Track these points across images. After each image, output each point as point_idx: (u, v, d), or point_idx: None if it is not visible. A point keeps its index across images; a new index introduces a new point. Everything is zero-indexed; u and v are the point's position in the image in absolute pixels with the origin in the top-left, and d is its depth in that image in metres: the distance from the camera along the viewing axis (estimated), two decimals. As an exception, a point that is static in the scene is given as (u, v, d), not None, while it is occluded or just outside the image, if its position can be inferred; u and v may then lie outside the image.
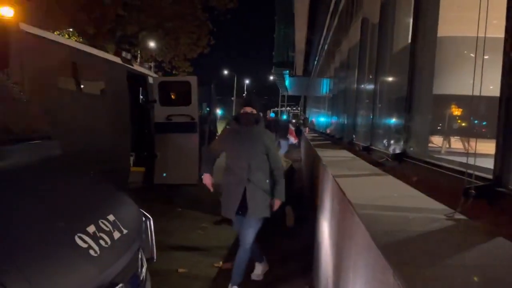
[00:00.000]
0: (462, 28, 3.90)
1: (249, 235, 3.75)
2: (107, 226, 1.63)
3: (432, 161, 2.28)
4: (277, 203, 3.74)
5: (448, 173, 1.91)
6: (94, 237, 1.49)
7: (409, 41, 3.09)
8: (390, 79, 4.11)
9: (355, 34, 6.10)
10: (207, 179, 4.12)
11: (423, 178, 2.19)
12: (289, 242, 5.25)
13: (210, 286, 3.85)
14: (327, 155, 4.37)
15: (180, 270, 4.14)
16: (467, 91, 3.92)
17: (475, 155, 1.63)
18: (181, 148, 6.70)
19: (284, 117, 30.38)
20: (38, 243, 1.29)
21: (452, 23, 3.75)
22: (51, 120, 3.74)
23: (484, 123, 3.44)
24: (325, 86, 13.16)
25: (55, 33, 13.22)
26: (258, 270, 4.07)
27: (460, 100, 4.29)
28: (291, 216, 5.87)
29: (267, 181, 3.72)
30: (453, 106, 4.72)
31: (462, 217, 1.52)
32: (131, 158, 6.69)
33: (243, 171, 3.68)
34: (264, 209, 3.72)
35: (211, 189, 4.10)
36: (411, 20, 3.19)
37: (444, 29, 3.15)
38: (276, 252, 4.84)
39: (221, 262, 4.43)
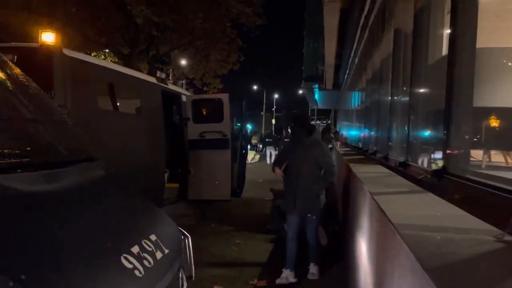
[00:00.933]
0: (502, 38, 3.79)
1: (309, 230, 4.53)
2: (149, 246, 1.66)
3: (477, 178, 2.20)
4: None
5: (496, 191, 1.83)
6: (138, 258, 1.52)
7: (446, 51, 3.02)
8: (427, 90, 4.02)
9: (388, 46, 6.02)
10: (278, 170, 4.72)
11: (467, 196, 2.11)
12: (324, 260, 5.15)
13: (246, 304, 3.83)
14: (361, 170, 4.30)
15: (216, 287, 4.15)
16: (509, 103, 3.78)
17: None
18: (214, 164, 6.79)
19: None
20: (88, 263, 1.33)
21: (491, 33, 3.65)
22: (91, 140, 3.90)
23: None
24: (356, 99, 13.02)
25: (92, 54, 13.85)
26: (315, 270, 4.48)
27: (501, 112, 4.14)
28: (323, 234, 5.80)
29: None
30: (493, 118, 4.55)
31: (512, 238, 1.45)
32: (166, 175, 6.83)
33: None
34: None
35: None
36: (446, 30, 3.13)
37: (483, 39, 3.07)
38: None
39: (256, 279, 4.40)
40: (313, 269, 4.45)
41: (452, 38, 2.93)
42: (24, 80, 2.31)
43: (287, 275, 4.34)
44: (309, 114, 53.65)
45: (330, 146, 9.85)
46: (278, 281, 4.28)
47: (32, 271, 1.15)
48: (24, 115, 1.96)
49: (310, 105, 47.92)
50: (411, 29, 4.30)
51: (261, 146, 27.99)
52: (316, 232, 4.62)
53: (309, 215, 4.49)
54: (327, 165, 4.53)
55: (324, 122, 51.37)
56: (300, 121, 4.69)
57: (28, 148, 1.71)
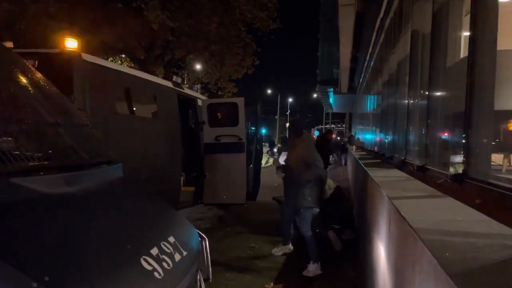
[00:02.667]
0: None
1: (301, 225, 5.11)
2: (168, 248, 1.67)
3: (498, 182, 2.15)
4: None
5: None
6: (158, 260, 1.53)
7: (465, 53, 2.97)
8: (445, 93, 3.96)
9: (405, 48, 5.96)
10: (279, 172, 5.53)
11: (489, 200, 2.07)
12: (341, 264, 5.11)
13: (262, 308, 3.81)
14: (378, 175, 4.25)
15: (232, 291, 4.15)
16: (531, 106, 3.68)
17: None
18: (229, 168, 6.80)
19: None
20: (109, 266, 1.34)
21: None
22: (109, 144, 3.95)
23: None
24: (372, 103, 12.90)
25: (109, 59, 14.07)
26: (310, 268, 4.79)
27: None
28: (336, 240, 5.76)
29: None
30: (514, 121, 4.45)
31: (537, 244, 1.41)
32: (182, 178, 6.87)
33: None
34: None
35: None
36: (465, 32, 3.08)
37: (504, 41, 3.01)
38: (327, 275, 4.73)
39: (271, 284, 4.39)
40: (309, 267, 4.82)
41: (472, 40, 2.88)
42: (45, 84, 2.36)
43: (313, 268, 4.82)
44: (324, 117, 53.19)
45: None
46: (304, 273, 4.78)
47: (55, 272, 1.17)
48: (45, 118, 2.00)
49: (324, 109, 47.69)
50: (429, 31, 4.25)
51: (275, 150, 27.97)
52: (309, 229, 5.00)
53: (301, 210, 5.05)
54: (307, 158, 5.16)
55: (340, 126, 51.07)
56: (292, 126, 5.78)
57: (49, 151, 1.74)
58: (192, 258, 1.84)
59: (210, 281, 2.29)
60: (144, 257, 1.48)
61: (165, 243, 1.68)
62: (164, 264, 1.54)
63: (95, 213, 1.64)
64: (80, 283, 1.20)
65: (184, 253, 1.75)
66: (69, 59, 4.22)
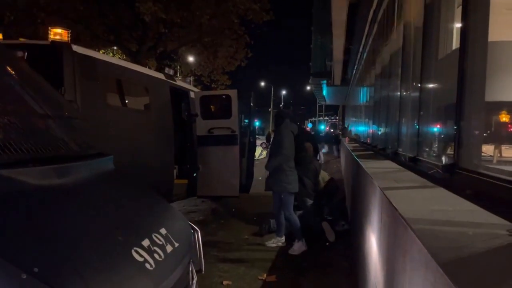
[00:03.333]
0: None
1: (283, 209, 5.42)
2: (160, 240, 1.67)
3: (489, 172, 2.17)
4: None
5: (509, 185, 1.80)
6: (149, 251, 1.53)
7: (458, 45, 2.98)
8: (437, 85, 3.97)
9: (397, 40, 5.96)
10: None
11: (479, 190, 2.09)
12: (333, 255, 5.15)
13: (255, 299, 3.83)
14: (371, 166, 4.27)
15: (225, 282, 4.16)
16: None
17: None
18: (222, 161, 6.79)
19: (322, 127, 29.99)
20: (100, 257, 1.34)
21: (503, 27, 3.59)
22: (100, 136, 3.92)
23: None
24: (365, 95, 12.93)
25: (100, 51, 13.93)
26: (295, 247, 5.20)
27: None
28: (329, 231, 5.80)
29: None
30: (505, 113, 4.49)
31: (526, 232, 1.43)
32: (175, 171, 6.85)
33: None
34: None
35: None
36: (457, 23, 3.08)
37: (495, 33, 3.02)
38: (320, 266, 4.77)
39: (265, 275, 4.41)
40: (294, 245, 5.26)
41: (464, 32, 2.89)
42: (35, 76, 2.33)
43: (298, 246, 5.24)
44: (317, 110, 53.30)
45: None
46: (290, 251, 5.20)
47: (44, 263, 1.16)
48: (35, 110, 1.98)
49: (318, 101, 47.73)
50: (421, 23, 4.25)
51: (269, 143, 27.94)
52: (291, 212, 5.44)
53: (282, 195, 5.38)
54: (274, 142, 5.64)
55: (333, 118, 51.19)
56: (275, 116, 6.12)
57: (39, 143, 1.72)
58: (184, 249, 1.84)
59: (203, 272, 2.29)
60: (135, 248, 1.48)
61: (156, 234, 1.68)
62: (156, 256, 1.54)
63: (85, 205, 1.62)
64: (70, 274, 1.19)
65: (176, 244, 1.75)
66: (59, 50, 4.16)
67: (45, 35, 4.47)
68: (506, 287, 1.01)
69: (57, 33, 4.26)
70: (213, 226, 6.55)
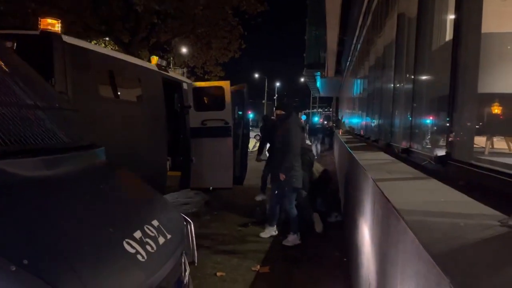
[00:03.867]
0: (508, 23, 3.72)
1: (285, 202, 5.46)
2: (152, 232, 1.66)
3: (481, 164, 2.18)
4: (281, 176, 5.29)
5: (501, 177, 1.81)
6: (141, 243, 1.52)
7: (451, 36, 2.97)
8: (431, 77, 3.98)
9: (391, 32, 5.95)
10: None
11: (471, 181, 2.10)
12: (326, 246, 5.18)
13: (249, 290, 3.85)
14: (364, 157, 4.28)
15: (219, 273, 4.17)
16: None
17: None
18: (216, 152, 6.77)
19: (316, 119, 30.00)
20: (91, 249, 1.32)
21: (496, 18, 3.59)
22: (92, 128, 3.88)
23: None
24: (358, 87, 12.94)
25: (92, 42, 13.75)
26: (290, 238, 5.28)
27: (505, 98, 4.10)
28: (319, 222, 5.85)
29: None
30: (498, 104, 4.51)
31: (518, 223, 1.44)
32: (168, 163, 6.82)
33: None
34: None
35: None
36: (451, 15, 3.07)
37: (488, 24, 3.01)
38: (313, 257, 4.80)
39: (258, 266, 4.43)
40: (289, 237, 5.31)
41: (457, 23, 2.88)
42: (24, 66, 2.29)
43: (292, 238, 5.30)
44: (311, 102, 53.25)
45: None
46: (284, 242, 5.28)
47: (34, 256, 1.14)
48: (24, 101, 1.94)
49: (312, 93, 47.71)
50: (415, 14, 4.24)
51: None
52: (293, 206, 5.42)
53: (286, 189, 5.36)
54: (284, 139, 5.41)
55: (327, 110, 51.24)
56: (283, 106, 5.90)
57: (29, 134, 1.69)
58: (177, 241, 1.83)
59: (196, 264, 2.29)
60: (127, 240, 1.47)
61: (148, 226, 1.66)
62: (148, 247, 1.53)
63: (76, 197, 1.60)
64: (61, 266, 1.18)
65: (168, 236, 1.74)
66: (49, 40, 4.09)
67: (36, 26, 4.39)
68: (497, 278, 1.01)
69: (47, 23, 4.18)
70: (206, 218, 6.55)
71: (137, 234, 1.55)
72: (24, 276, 1.07)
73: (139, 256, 1.45)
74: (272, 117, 8.39)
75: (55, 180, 1.59)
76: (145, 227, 1.64)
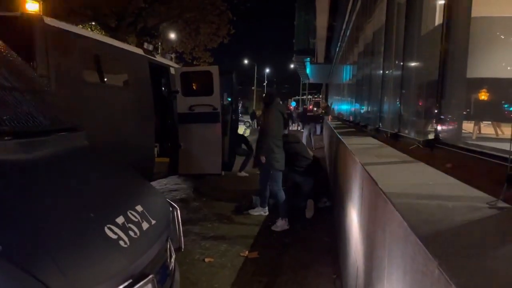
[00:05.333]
0: (497, 8, 3.70)
1: (271, 184, 5.56)
2: (135, 217, 1.62)
3: (469, 147, 2.17)
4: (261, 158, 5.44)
5: (488, 159, 1.80)
6: (124, 228, 1.48)
7: (441, 21, 2.94)
8: (419, 62, 3.96)
9: (380, 17, 5.91)
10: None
11: (460, 164, 2.09)
12: (315, 231, 5.20)
13: (237, 275, 3.85)
14: (353, 142, 4.27)
15: (207, 259, 4.16)
16: (502, 74, 3.73)
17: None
18: (204, 138, 6.71)
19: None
20: (70, 235, 1.28)
21: (486, 3, 3.56)
22: (76, 112, 3.79)
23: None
24: (348, 73, 12.91)
25: (78, 27, 13.42)
26: (279, 224, 5.31)
27: (494, 83, 4.11)
28: (311, 208, 5.87)
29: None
30: (485, 90, 4.52)
31: (505, 205, 1.43)
32: (156, 149, 6.74)
33: None
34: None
35: None
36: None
37: (478, 9, 2.99)
38: (302, 242, 4.81)
39: (246, 252, 4.43)
40: (278, 222, 5.35)
41: (447, 7, 2.85)
42: (2, 47, 2.20)
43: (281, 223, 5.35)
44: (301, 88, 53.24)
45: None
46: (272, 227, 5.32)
47: (9, 241, 1.10)
48: (2, 83, 1.86)
49: (301, 79, 47.57)
50: (405, -1, 4.19)
51: (253, 121, 28.04)
52: (280, 188, 5.49)
53: (271, 171, 5.45)
54: (264, 124, 5.61)
55: (316, 96, 51.24)
56: (265, 97, 6.04)
57: (6, 117, 1.62)
58: (161, 227, 1.79)
59: (182, 250, 2.26)
60: (108, 225, 1.42)
61: (132, 212, 1.62)
62: (131, 233, 1.49)
63: (55, 181, 1.55)
64: (38, 252, 1.13)
65: (153, 222, 1.70)
66: (30, 22, 3.96)
67: (16, 7, 4.24)
68: (484, 259, 1.00)
69: (29, 5, 4.04)
70: (195, 204, 6.52)
71: (120, 220, 1.51)
72: None
73: (121, 242, 1.41)
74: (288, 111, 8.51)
75: (33, 163, 1.53)
76: (128, 213, 1.60)
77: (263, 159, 5.43)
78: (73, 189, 1.58)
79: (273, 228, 5.28)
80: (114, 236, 1.40)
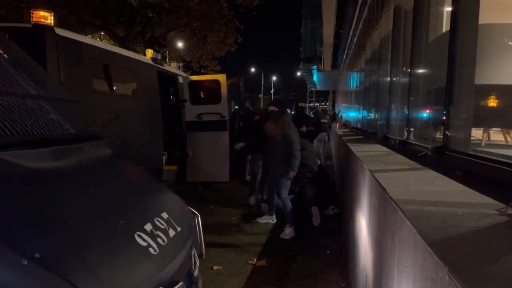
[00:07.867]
0: (505, 14, 3.70)
1: (280, 192, 5.55)
2: (162, 224, 1.63)
3: (479, 154, 2.17)
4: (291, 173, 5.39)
5: (498, 166, 1.80)
6: (152, 235, 1.49)
7: (448, 28, 2.95)
8: (427, 69, 3.96)
9: (387, 24, 5.93)
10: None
11: (469, 172, 2.09)
12: (323, 239, 5.18)
13: (245, 283, 3.84)
14: (361, 150, 4.27)
15: (215, 267, 4.17)
16: (510, 81, 3.71)
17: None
18: (212, 146, 6.74)
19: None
20: (102, 241, 1.29)
21: (493, 10, 3.57)
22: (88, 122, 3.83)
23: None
24: (355, 80, 12.90)
25: (88, 36, 13.62)
26: (287, 231, 5.30)
27: (502, 90, 4.09)
28: (317, 215, 5.85)
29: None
30: (494, 96, 4.50)
31: (516, 212, 1.43)
32: (164, 157, 6.78)
33: None
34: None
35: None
36: (447, 6, 3.05)
37: (485, 16, 2.99)
38: (310, 250, 4.80)
39: (255, 259, 4.43)
40: (285, 229, 5.34)
41: (454, 14, 2.86)
42: (25, 57, 2.25)
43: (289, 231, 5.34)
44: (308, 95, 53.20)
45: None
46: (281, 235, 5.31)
47: (46, 249, 1.11)
48: (29, 92, 1.90)
49: (308, 87, 47.61)
50: (411, 6, 4.21)
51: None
52: (287, 195, 5.52)
53: (280, 180, 5.48)
54: (285, 139, 5.44)
55: (323, 104, 51.19)
56: (277, 103, 6.00)
57: (34, 125, 1.65)
58: (186, 234, 1.80)
59: (204, 257, 2.26)
60: (138, 233, 1.44)
61: (158, 219, 1.64)
62: (159, 240, 1.50)
63: (84, 188, 1.57)
64: (73, 259, 1.14)
65: (178, 229, 1.72)
66: (42, 33, 4.03)
67: (29, 19, 4.32)
68: (495, 266, 1.00)
69: (39, 16, 4.12)
70: (203, 212, 6.46)
71: (148, 227, 1.52)
72: (36, 270, 1.04)
73: (151, 249, 1.42)
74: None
75: (62, 171, 1.56)
76: (155, 220, 1.61)
77: (292, 174, 5.41)
78: (102, 197, 1.60)
79: (282, 236, 5.28)
80: (144, 244, 1.41)
